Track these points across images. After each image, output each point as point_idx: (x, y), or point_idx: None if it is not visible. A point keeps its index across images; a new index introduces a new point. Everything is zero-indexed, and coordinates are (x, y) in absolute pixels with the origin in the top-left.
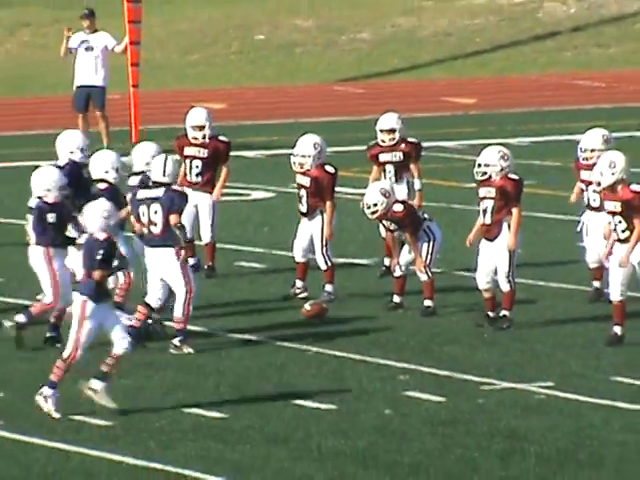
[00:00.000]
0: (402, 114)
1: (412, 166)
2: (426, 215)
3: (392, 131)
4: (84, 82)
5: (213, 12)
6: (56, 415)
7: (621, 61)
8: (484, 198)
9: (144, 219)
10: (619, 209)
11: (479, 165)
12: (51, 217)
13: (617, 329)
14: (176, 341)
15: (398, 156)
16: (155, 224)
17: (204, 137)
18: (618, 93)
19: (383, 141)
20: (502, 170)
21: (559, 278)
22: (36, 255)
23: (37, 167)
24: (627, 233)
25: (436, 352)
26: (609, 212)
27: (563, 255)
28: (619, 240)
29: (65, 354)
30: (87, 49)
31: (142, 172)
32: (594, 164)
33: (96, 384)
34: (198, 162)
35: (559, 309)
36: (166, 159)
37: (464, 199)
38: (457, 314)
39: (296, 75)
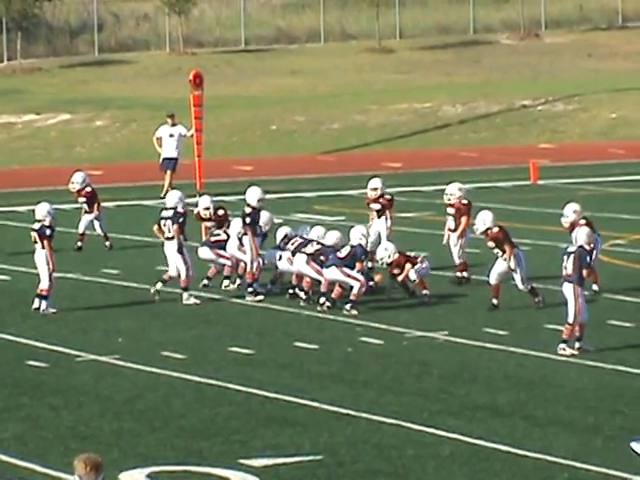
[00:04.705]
0: (358, 173)
1: (387, 212)
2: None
3: (375, 189)
4: (167, 155)
5: (246, 112)
6: None
7: (488, 141)
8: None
9: None
10: (492, 245)
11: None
12: None
13: (494, 301)
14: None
15: (379, 205)
16: None
17: None
18: (486, 160)
19: (370, 195)
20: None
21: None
22: None
23: (142, 206)
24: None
25: (381, 314)
26: (491, 248)
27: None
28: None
29: None
30: (170, 136)
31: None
32: (451, 204)
33: None
34: None
35: (454, 288)
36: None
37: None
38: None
39: (294, 150)
